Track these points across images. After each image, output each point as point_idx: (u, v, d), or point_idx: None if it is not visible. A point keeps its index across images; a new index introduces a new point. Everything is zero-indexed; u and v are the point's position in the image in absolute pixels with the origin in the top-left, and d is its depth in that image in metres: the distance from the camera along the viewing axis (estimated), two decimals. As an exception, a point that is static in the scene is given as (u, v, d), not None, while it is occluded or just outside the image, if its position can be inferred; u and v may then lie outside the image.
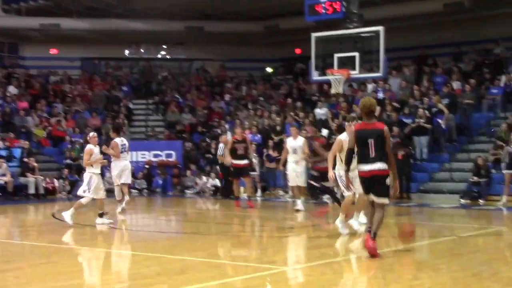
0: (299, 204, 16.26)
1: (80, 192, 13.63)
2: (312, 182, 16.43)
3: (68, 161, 24.35)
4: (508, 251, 10.88)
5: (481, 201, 18.67)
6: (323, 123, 23.21)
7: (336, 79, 18.11)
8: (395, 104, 23.06)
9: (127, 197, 15.72)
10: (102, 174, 14.90)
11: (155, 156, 25.32)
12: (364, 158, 9.31)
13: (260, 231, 13.77)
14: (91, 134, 14.49)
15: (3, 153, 22.83)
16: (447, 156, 21.42)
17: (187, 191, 23.61)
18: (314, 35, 18.42)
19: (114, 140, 15.65)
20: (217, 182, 22.94)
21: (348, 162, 9.67)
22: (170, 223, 15.68)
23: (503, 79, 23.45)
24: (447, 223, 14.76)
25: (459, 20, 26.62)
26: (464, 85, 23.29)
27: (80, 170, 23.78)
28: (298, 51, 30.50)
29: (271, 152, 22.64)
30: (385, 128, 9.44)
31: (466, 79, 23.82)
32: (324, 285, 7.73)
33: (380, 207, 9.45)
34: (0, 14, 28.98)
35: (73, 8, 28.81)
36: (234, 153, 17.46)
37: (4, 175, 21.36)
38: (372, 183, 9.34)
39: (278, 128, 23.72)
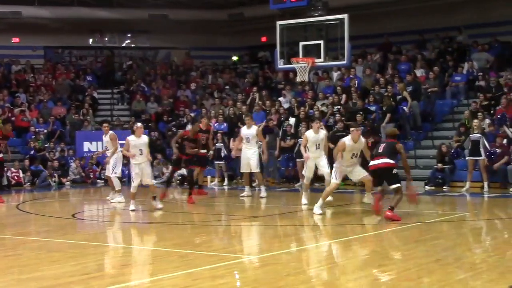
0: (263, 192, 16.78)
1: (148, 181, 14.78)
2: None
3: (33, 151, 24.08)
4: (471, 236, 11.05)
5: (445, 188, 18.91)
6: (291, 112, 23.25)
7: (301, 67, 18.14)
8: (360, 92, 23.21)
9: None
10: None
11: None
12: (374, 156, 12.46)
13: (226, 220, 13.77)
14: (138, 124, 15.21)
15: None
16: (412, 143, 21.63)
17: (154, 181, 23.44)
18: (279, 23, 18.40)
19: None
20: (184, 171, 22.85)
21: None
22: (136, 214, 15.58)
23: (466, 66, 23.72)
24: (412, 210, 14.91)
25: (422, 7, 26.86)
26: (428, 72, 23.52)
27: (45, 161, 23.56)
28: (263, 39, 30.48)
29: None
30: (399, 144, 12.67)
31: (430, 67, 24.06)
32: (289, 273, 7.76)
33: (396, 191, 12.28)
34: (-41, 2, 28.43)
35: (34, -4, 28.37)
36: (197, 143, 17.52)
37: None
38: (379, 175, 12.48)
39: (244, 116, 23.67)
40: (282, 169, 22.23)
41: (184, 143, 16.58)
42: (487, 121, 19.89)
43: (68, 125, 26.31)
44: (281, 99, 24.75)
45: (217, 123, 23.95)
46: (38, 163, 23.25)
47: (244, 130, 16.90)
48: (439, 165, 19.40)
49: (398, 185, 12.32)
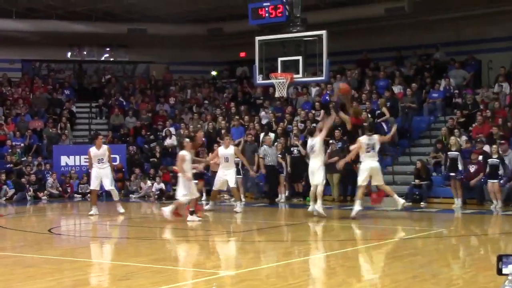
0: (238, 207, 17.01)
1: (179, 196, 14.84)
2: None
3: (9, 165, 23.85)
4: (448, 253, 11.11)
5: (422, 204, 19.01)
6: (269, 127, 23.29)
7: (280, 82, 18.19)
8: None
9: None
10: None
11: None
12: None
13: (205, 236, 13.72)
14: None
15: None
16: (390, 159, 21.74)
17: (132, 196, 23.37)
18: (258, 38, 18.44)
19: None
20: (163, 186, 22.80)
21: None
22: (113, 228, 15.48)
23: (443, 83, 23.96)
24: (389, 226, 14.98)
25: (400, 25, 27.11)
26: (405, 89, 23.71)
27: (21, 175, 23.33)
28: (242, 54, 30.52)
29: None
30: None
31: (407, 83, 24.26)
32: (268, 290, 7.75)
33: None
34: None
35: (12, 9, 28.17)
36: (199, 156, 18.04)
37: None
38: None
39: (223, 131, 23.69)
40: (261, 184, 22.22)
41: (198, 150, 17.29)
42: (464, 138, 20.07)
43: (45, 139, 26.12)
44: (261, 114, 24.78)
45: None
46: (14, 177, 23.02)
47: (222, 150, 17.07)
48: (417, 181, 19.52)
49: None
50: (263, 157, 20.49)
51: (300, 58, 17.93)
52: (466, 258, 10.44)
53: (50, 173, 23.94)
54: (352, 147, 16.00)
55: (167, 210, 14.80)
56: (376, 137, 15.51)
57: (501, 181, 18.13)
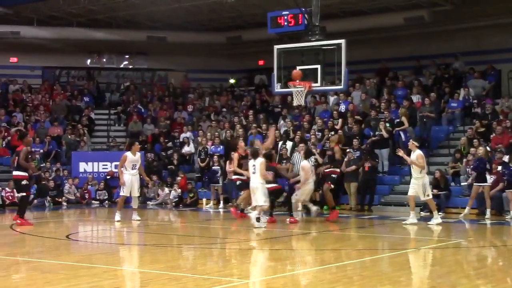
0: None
1: (260, 202, 15.17)
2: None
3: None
4: (466, 264, 11.01)
5: (440, 214, 18.85)
6: (288, 136, 23.26)
7: (298, 91, 18.17)
8: (357, 117, 23.28)
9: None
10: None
11: (117, 167, 25.03)
12: None
13: (221, 243, 13.71)
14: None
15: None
16: (408, 168, 21.59)
17: (149, 203, 23.44)
18: (276, 47, 18.46)
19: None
20: (179, 192, 22.88)
21: None
22: (130, 235, 15.53)
23: (462, 93, 23.82)
24: (407, 236, 14.89)
25: (419, 34, 27.01)
26: (424, 98, 23.60)
27: (39, 181, 23.45)
28: (261, 62, 30.58)
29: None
30: None
31: (426, 93, 24.14)
32: (284, 298, 7.72)
33: None
34: (-42, 21, 28.50)
35: (33, 16, 28.46)
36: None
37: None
38: None
39: (241, 139, 23.66)
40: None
41: (242, 162, 17.12)
42: (480, 148, 19.87)
43: (64, 145, 26.28)
44: (281, 123, 24.72)
45: (213, 146, 23.96)
46: (33, 183, 23.16)
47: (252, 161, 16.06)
48: (435, 191, 19.38)
49: None
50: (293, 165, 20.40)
51: (318, 66, 17.92)
52: (485, 269, 10.34)
53: (68, 179, 24.08)
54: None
55: (253, 217, 15.22)
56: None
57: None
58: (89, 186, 24.13)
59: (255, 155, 15.56)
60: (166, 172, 25.00)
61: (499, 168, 18.80)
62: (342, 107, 24.23)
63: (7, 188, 22.42)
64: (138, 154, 17.42)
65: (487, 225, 16.90)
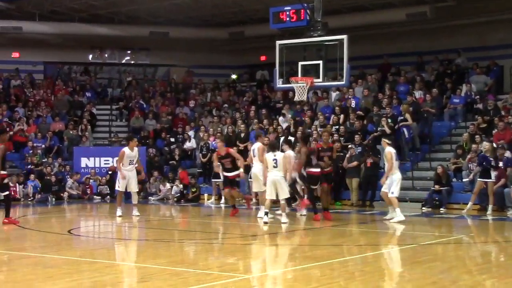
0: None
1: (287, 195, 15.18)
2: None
3: (30, 166, 24.08)
4: (468, 259, 11.02)
5: (442, 210, 18.88)
6: (289, 131, 23.25)
7: (300, 86, 18.17)
8: (359, 112, 23.26)
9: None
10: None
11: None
12: None
13: (223, 238, 13.73)
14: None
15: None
16: (409, 164, 21.62)
17: (151, 198, 23.46)
18: (278, 42, 18.45)
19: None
20: (181, 188, 22.92)
21: None
22: (132, 230, 15.55)
23: (464, 89, 23.79)
24: (409, 231, 14.90)
25: (422, 30, 26.99)
26: (426, 94, 23.57)
27: (42, 176, 23.49)
28: (263, 58, 30.58)
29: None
30: None
31: (428, 88, 24.12)
32: (286, 294, 7.73)
33: None
34: (-40, 16, 28.52)
35: (35, 11, 28.46)
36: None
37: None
38: None
39: (242, 135, 23.70)
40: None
41: (222, 161, 16.88)
42: (485, 144, 19.88)
43: (66, 141, 26.31)
44: (280, 118, 24.74)
45: (215, 141, 23.96)
46: (35, 178, 23.20)
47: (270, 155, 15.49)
48: (436, 186, 19.39)
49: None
50: None
51: (320, 62, 17.91)
52: (487, 265, 10.34)
53: (70, 174, 24.11)
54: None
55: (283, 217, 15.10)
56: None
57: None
58: (91, 181, 24.15)
59: (274, 148, 15.39)
60: (168, 168, 25.02)
61: (501, 164, 18.79)
62: (353, 103, 24.13)
63: (10, 183, 22.40)
64: (136, 150, 17.35)
65: (489, 221, 16.90)
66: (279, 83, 18.65)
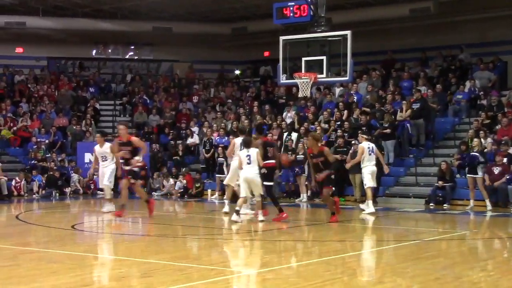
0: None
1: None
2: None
3: (34, 161, 24.14)
4: (470, 255, 11.02)
5: (445, 206, 18.88)
6: (293, 127, 23.27)
7: (304, 82, 18.17)
8: (365, 108, 23.24)
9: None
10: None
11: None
12: None
13: (226, 234, 13.74)
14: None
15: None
16: (413, 160, 21.62)
17: (154, 193, 23.48)
18: (282, 38, 18.45)
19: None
20: (185, 184, 22.93)
21: None
22: (135, 226, 15.58)
23: (468, 84, 23.76)
24: (412, 227, 14.90)
25: (425, 25, 26.96)
26: (429, 90, 23.54)
27: (45, 171, 23.54)
28: (266, 53, 30.57)
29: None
30: None
31: (432, 84, 24.09)
32: (289, 289, 7.74)
33: None
34: (-36, 11, 28.55)
35: (39, 7, 28.48)
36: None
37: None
38: None
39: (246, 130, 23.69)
40: (283, 184, 22.22)
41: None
42: (489, 140, 19.90)
43: (70, 136, 26.35)
44: (285, 114, 24.72)
45: (218, 137, 23.99)
46: (38, 173, 23.24)
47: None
48: (440, 182, 19.38)
49: None
50: None
51: (324, 58, 17.92)
52: (490, 261, 10.34)
53: (75, 169, 24.14)
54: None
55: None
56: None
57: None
58: (94, 177, 24.15)
59: (247, 144, 14.53)
60: (171, 163, 25.04)
61: (505, 160, 18.79)
62: (356, 98, 24.08)
63: (17, 178, 22.47)
64: (106, 146, 16.65)
65: (493, 217, 16.89)
66: (283, 79, 18.65)
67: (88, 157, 25.03)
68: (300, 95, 19.54)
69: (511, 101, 22.30)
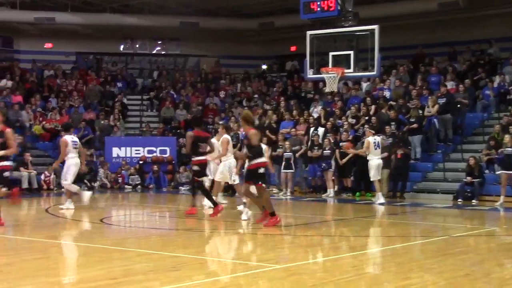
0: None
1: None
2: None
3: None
4: (500, 252, 10.90)
5: (474, 201, 18.71)
6: (319, 122, 23.20)
7: (331, 77, 18.11)
8: (392, 103, 23.10)
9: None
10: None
11: (149, 152, 25.29)
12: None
13: (253, 229, 13.75)
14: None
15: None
16: (441, 156, 21.44)
17: (181, 188, 23.58)
18: (309, 33, 18.40)
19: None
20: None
21: None
22: (163, 220, 15.67)
23: (497, 79, 23.49)
24: (440, 223, 14.80)
25: (454, 19, 26.71)
26: (458, 85, 23.33)
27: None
28: (293, 48, 30.51)
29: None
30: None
31: (460, 79, 23.86)
32: (315, 284, 7.73)
33: None
34: (-6, 7, 28.91)
35: (68, 2, 28.74)
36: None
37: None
38: None
39: (274, 125, 23.71)
40: (309, 179, 22.19)
41: None
42: (506, 136, 19.62)
43: (98, 131, 26.55)
44: (312, 109, 24.66)
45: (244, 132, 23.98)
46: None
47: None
48: (468, 178, 19.20)
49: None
50: None
51: (351, 52, 17.86)
52: (519, 258, 10.23)
53: (103, 164, 24.34)
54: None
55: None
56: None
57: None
58: (122, 171, 24.37)
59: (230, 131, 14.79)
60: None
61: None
62: (387, 93, 23.95)
63: (46, 172, 22.70)
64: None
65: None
66: (310, 74, 18.63)
67: (116, 151, 25.28)
68: (327, 90, 19.50)
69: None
